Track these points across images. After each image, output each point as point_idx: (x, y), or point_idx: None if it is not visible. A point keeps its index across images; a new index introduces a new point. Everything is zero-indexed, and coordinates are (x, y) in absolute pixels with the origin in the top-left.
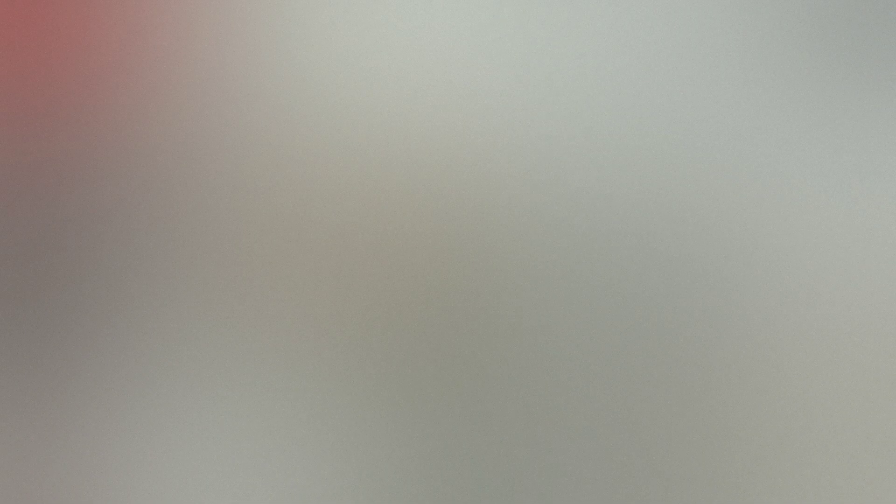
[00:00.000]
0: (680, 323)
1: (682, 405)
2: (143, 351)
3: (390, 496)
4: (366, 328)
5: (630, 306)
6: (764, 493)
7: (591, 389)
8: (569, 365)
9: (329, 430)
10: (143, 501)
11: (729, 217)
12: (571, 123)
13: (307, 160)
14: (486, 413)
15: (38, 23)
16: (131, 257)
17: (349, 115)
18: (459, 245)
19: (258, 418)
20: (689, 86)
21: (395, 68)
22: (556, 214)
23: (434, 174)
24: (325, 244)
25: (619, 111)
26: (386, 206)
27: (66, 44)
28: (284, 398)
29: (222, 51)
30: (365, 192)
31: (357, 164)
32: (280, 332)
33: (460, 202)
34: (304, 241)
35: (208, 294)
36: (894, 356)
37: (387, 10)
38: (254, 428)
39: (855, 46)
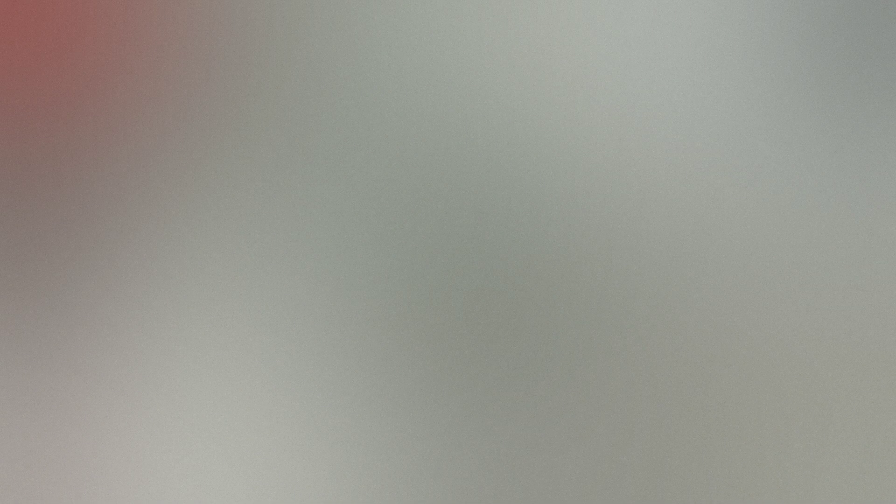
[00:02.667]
0: (680, 323)
1: (687, 404)
2: (144, 352)
3: (395, 496)
4: (368, 328)
5: (631, 305)
6: (762, 492)
7: (594, 389)
8: (571, 364)
9: (332, 432)
10: (146, 502)
11: (728, 217)
12: (571, 124)
13: (307, 159)
14: (491, 414)
15: (36, 21)
16: (132, 258)
17: (347, 115)
18: (461, 244)
19: (262, 418)
20: (688, 87)
21: (395, 67)
22: (556, 213)
23: (436, 173)
24: (327, 242)
25: (620, 112)
26: (387, 206)
27: (64, 41)
28: (288, 398)
29: (221, 49)
30: (367, 191)
31: (358, 163)
32: (282, 332)
33: (462, 201)
34: (306, 239)
35: (210, 293)
36: (891, 356)
37: (386, 8)
38: (257, 428)
39: (854, 47)
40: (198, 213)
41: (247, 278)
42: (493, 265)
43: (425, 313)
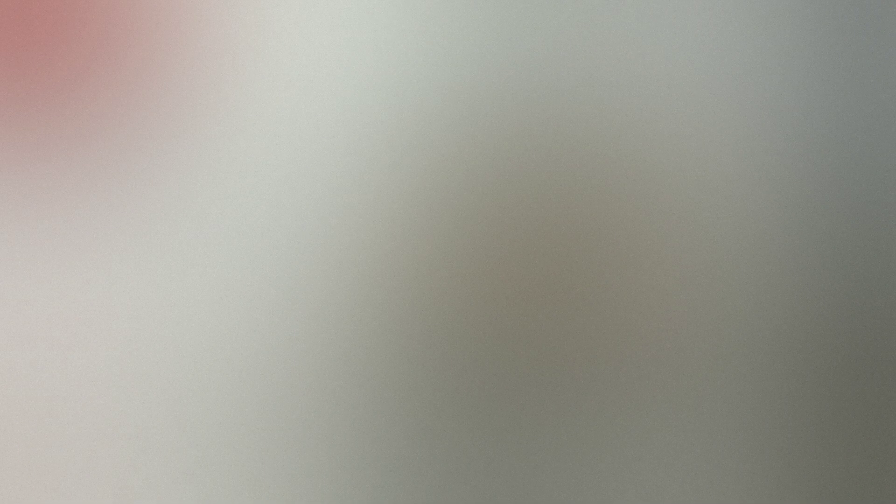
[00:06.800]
0: (682, 325)
1: (688, 403)
2: (146, 352)
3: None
4: (371, 330)
5: (631, 307)
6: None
7: (597, 389)
8: (570, 366)
9: (334, 434)
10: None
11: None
12: (572, 122)
13: (307, 158)
14: (495, 417)
15: (30, 14)
16: (131, 257)
17: (347, 113)
18: (460, 246)
19: (263, 419)
20: (689, 84)
21: (393, 66)
22: (553, 214)
23: (437, 170)
24: (329, 242)
25: (621, 115)
26: (390, 206)
27: (57, 35)
28: (289, 399)
29: (218, 48)
30: (369, 190)
31: (360, 161)
32: (283, 333)
33: (462, 202)
34: (307, 237)
35: (211, 291)
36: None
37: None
38: (259, 430)
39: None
40: (194, 212)
41: (244, 276)
42: (495, 265)
43: (430, 316)
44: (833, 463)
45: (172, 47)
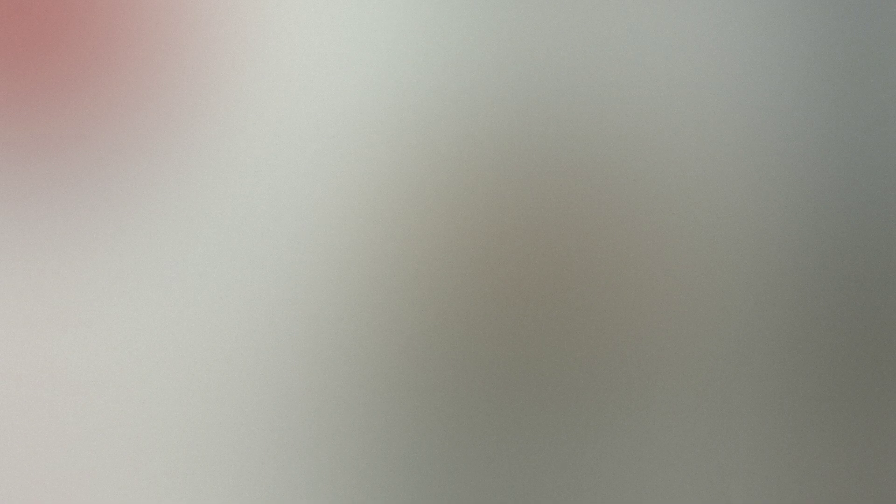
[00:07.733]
0: (682, 324)
1: (689, 401)
2: (146, 352)
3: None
4: (371, 329)
5: (632, 307)
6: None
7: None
8: (572, 367)
9: (334, 435)
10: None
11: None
12: (572, 122)
13: (308, 158)
14: (496, 418)
15: (27, 13)
16: (131, 257)
17: (347, 113)
18: (461, 245)
19: (264, 419)
20: (690, 84)
21: (395, 68)
22: (553, 214)
23: (438, 173)
24: (329, 242)
25: (622, 117)
26: (390, 206)
27: (55, 33)
28: (288, 399)
29: (217, 48)
30: (369, 190)
31: (360, 162)
32: (283, 332)
33: (464, 202)
34: (307, 237)
35: (211, 290)
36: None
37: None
38: (259, 429)
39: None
40: (194, 211)
41: (244, 275)
42: (496, 267)
43: (430, 316)
44: (833, 462)
45: (172, 47)
